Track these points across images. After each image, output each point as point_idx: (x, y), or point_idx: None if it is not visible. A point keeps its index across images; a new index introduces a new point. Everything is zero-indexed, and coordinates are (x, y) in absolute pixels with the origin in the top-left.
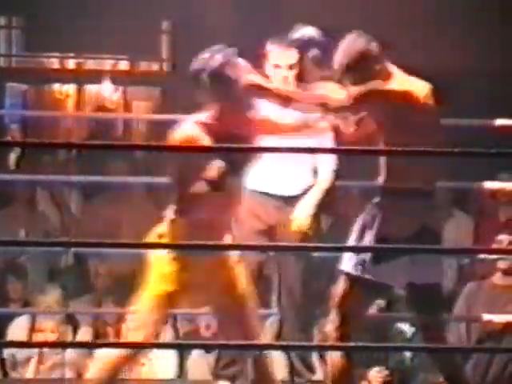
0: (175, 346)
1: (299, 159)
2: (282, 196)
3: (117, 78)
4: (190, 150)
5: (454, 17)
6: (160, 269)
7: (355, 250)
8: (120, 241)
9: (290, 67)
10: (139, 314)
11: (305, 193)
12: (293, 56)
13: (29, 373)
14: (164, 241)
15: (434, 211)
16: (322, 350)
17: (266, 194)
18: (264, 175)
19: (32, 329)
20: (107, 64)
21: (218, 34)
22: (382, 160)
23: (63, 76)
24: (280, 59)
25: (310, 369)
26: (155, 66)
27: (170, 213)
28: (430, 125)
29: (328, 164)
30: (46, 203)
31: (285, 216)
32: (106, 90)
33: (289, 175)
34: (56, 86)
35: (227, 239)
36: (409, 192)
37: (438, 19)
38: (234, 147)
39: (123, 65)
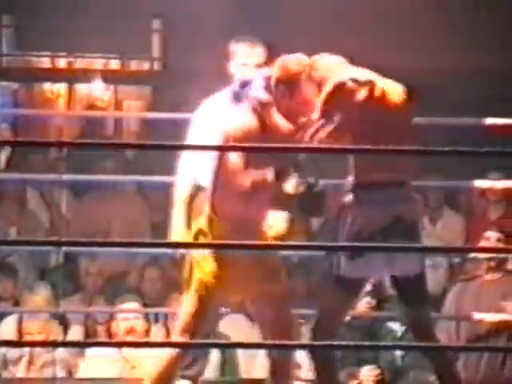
0: (168, 345)
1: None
2: None
3: (108, 76)
4: (183, 148)
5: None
6: (199, 268)
7: (348, 248)
8: (110, 240)
9: (258, 66)
10: (183, 315)
11: None
12: (260, 55)
13: (20, 372)
14: (202, 237)
15: (407, 201)
16: (312, 348)
17: None
18: None
19: (21, 328)
20: (98, 63)
21: (209, 32)
22: (351, 160)
23: (54, 75)
24: (247, 58)
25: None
26: (146, 65)
27: (207, 209)
28: (402, 126)
29: None
30: (36, 202)
31: None
32: (97, 89)
33: None
34: (47, 85)
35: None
36: (380, 184)
37: (430, 18)
38: (227, 146)
39: (114, 64)
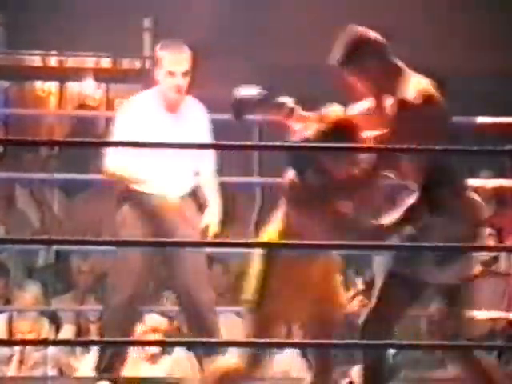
0: (157, 343)
1: (182, 160)
2: (172, 197)
3: (99, 75)
4: (173, 146)
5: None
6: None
7: (336, 247)
8: (101, 238)
9: (184, 74)
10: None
11: (191, 194)
12: (186, 63)
13: (11, 371)
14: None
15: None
16: (303, 347)
17: (153, 195)
18: (150, 175)
19: (11, 327)
20: (89, 61)
21: (200, 31)
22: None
23: (45, 73)
24: (174, 66)
25: None
26: (137, 64)
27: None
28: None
29: (210, 164)
30: (24, 200)
31: (176, 218)
32: (88, 88)
33: (173, 176)
34: (38, 84)
35: None
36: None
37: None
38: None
39: (105, 62)
